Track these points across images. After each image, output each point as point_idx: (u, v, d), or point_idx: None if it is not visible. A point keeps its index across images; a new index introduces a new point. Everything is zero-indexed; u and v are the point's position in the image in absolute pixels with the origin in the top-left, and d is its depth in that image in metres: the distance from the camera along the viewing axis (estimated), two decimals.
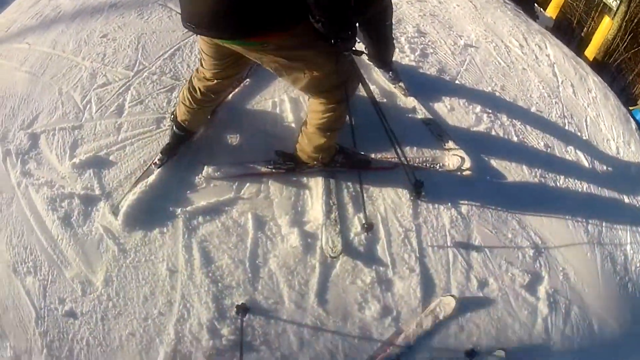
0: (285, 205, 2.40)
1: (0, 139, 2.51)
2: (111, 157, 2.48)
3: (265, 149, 2.52)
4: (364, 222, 2.22)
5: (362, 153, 2.54)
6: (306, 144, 2.29)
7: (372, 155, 2.59)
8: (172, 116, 2.45)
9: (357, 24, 2.66)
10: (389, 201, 2.49)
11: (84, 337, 2.15)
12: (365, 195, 2.38)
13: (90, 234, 2.30)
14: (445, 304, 2.24)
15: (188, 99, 2.29)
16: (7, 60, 2.98)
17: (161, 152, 2.41)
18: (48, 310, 2.19)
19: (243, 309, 2.15)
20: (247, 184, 2.45)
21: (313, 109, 2.18)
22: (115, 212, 2.33)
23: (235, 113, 2.71)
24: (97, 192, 2.39)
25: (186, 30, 1.79)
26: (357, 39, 1.92)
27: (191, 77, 2.29)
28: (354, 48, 1.87)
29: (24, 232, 2.32)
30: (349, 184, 2.49)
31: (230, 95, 2.76)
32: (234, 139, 2.59)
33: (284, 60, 1.87)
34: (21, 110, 2.63)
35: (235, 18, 1.65)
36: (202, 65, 2.19)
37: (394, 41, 2.73)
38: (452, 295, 2.26)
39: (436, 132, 2.82)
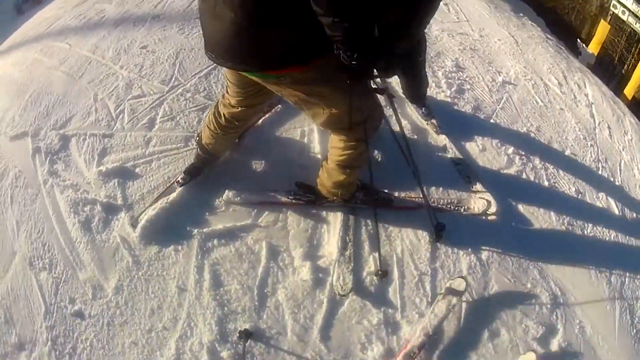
0: (301, 237, 2.56)
1: (32, 135, 2.72)
2: (137, 170, 2.68)
3: (288, 178, 2.67)
4: (378, 268, 2.36)
5: (385, 191, 2.69)
6: (326, 179, 2.45)
7: (395, 194, 2.73)
8: (198, 137, 2.64)
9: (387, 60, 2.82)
10: (407, 242, 2.61)
11: (89, 338, 2.33)
12: (383, 234, 2.52)
13: (107, 242, 2.49)
14: (456, 287, 2.35)
15: (213, 123, 2.44)
16: (47, 58, 3.20)
17: (184, 172, 2.60)
18: (57, 307, 2.37)
19: (246, 334, 2.30)
20: (266, 212, 2.62)
21: (333, 144, 2.28)
22: (134, 224, 2.51)
23: (263, 139, 2.90)
24: (119, 202, 2.58)
25: None
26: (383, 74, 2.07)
27: (217, 102, 2.45)
28: (376, 86, 2.04)
29: (44, 230, 2.52)
30: (368, 221, 2.62)
31: (260, 120, 2.95)
32: (258, 165, 2.77)
33: (302, 94, 1.94)
34: (55, 110, 2.84)
35: (251, 50, 1.73)
36: (227, 91, 2.34)
37: (429, 76, 2.90)
38: (462, 277, 2.38)
39: (465, 173, 2.93)
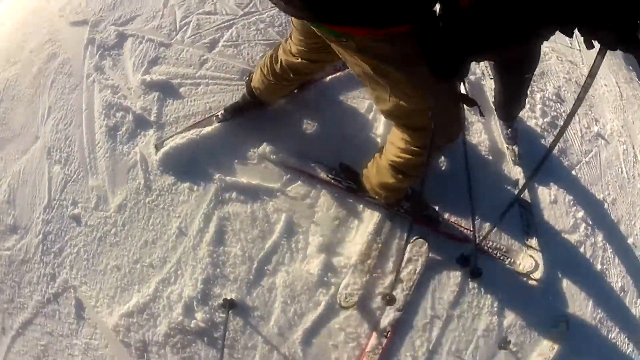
0: (326, 224, 2.35)
1: (92, 25, 2.66)
2: (181, 89, 2.55)
3: (335, 154, 2.44)
4: (388, 292, 2.07)
5: (435, 208, 2.40)
6: (373, 175, 2.15)
7: (445, 215, 2.45)
8: (248, 78, 2.40)
9: (492, 66, 2.38)
10: (435, 274, 2.36)
11: (77, 245, 2.32)
12: (412, 255, 2.26)
13: (126, 156, 2.42)
14: (420, 248, 2.26)
15: (267, 67, 2.17)
16: None
17: (225, 109, 2.44)
18: (59, 204, 2.36)
19: (230, 305, 2.18)
20: (298, 182, 2.41)
21: (392, 140, 1.94)
22: (158, 146, 2.41)
23: (324, 99, 2.65)
24: (152, 118, 2.48)
25: None
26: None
27: (278, 45, 2.14)
28: (466, 92, 1.66)
29: (72, 123, 2.49)
30: (405, 235, 2.32)
31: (329, 77, 2.62)
32: (309, 127, 2.55)
33: (368, 68, 1.55)
34: (122, 6, 2.74)
35: None
36: (290, 36, 1.99)
37: (527, 96, 2.53)
38: (420, 238, 2.29)
39: (526, 220, 2.61)
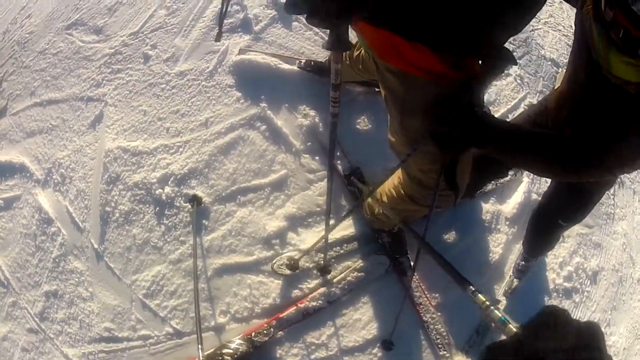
0: (308, 205, 2.44)
1: None
2: (294, 23, 2.72)
3: (368, 160, 2.49)
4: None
5: (409, 259, 2.39)
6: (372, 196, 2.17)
7: (418, 276, 2.40)
8: None
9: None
10: (366, 317, 2.34)
11: (132, 76, 2.65)
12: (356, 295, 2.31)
13: (216, 45, 2.65)
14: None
15: (353, 47, 2.16)
16: None
17: (310, 61, 2.57)
18: (143, 38, 2.71)
19: (197, 202, 2.37)
20: (316, 157, 2.51)
21: (397, 172, 1.87)
22: (242, 51, 2.64)
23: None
24: (257, 27, 2.70)
25: None
26: None
27: None
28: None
29: None
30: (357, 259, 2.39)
31: None
32: (365, 124, 2.59)
33: (396, 91, 1.43)
34: None
35: None
36: None
37: (559, 242, 2.42)
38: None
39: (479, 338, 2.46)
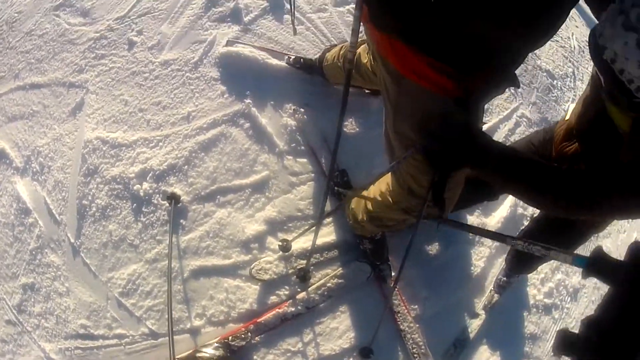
0: (289, 208, 2.37)
1: None
2: (286, 16, 2.62)
3: (357, 164, 2.44)
4: (285, 242, 2.03)
5: (390, 267, 2.34)
6: (356, 200, 2.14)
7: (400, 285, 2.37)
8: (329, 46, 2.42)
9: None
10: (344, 325, 2.30)
11: (115, 63, 2.57)
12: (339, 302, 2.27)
13: (203, 30, 2.59)
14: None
15: (345, 49, 2.16)
16: None
17: (300, 58, 2.48)
18: (130, 23, 2.63)
19: (175, 199, 2.30)
20: (303, 159, 2.44)
21: (385, 177, 1.82)
22: (229, 43, 2.54)
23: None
24: (246, 18, 2.61)
25: None
26: None
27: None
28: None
29: None
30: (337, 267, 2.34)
31: None
32: (354, 127, 2.52)
33: (390, 91, 1.39)
34: None
35: None
36: None
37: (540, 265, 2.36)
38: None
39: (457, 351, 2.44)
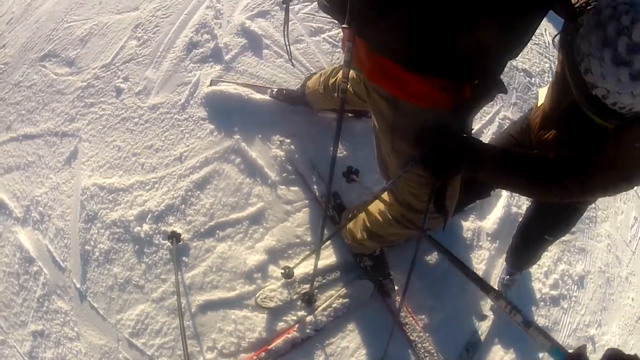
0: (287, 236, 2.47)
1: None
2: (265, 51, 2.76)
3: (347, 185, 2.53)
4: (287, 270, 2.13)
5: (392, 280, 2.43)
6: (353, 221, 2.24)
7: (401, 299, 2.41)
8: (310, 75, 2.52)
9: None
10: (354, 343, 2.39)
11: (105, 110, 2.66)
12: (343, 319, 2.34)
13: (187, 72, 2.70)
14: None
15: (325, 75, 2.23)
16: None
17: (282, 90, 2.58)
18: (115, 70, 2.72)
19: (176, 238, 2.39)
20: (295, 187, 2.54)
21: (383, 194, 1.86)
22: (213, 82, 2.65)
23: (368, 135, 2.64)
24: (227, 57, 2.72)
25: None
26: None
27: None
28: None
29: (169, 18, 2.79)
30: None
31: None
32: (340, 150, 2.60)
33: (386, 114, 1.44)
34: None
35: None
36: None
37: (543, 254, 2.46)
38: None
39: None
